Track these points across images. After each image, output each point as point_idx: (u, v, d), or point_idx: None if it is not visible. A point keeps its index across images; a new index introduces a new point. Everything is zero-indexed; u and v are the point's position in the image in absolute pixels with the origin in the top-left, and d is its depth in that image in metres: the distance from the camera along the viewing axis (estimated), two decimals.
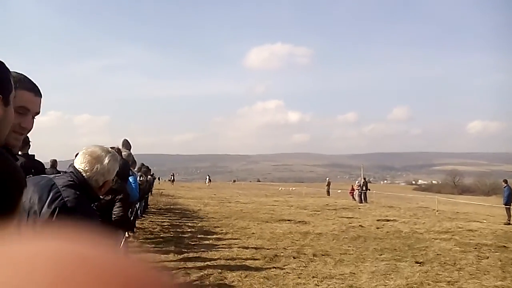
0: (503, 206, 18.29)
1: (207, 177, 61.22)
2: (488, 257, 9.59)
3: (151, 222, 13.87)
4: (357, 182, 31.20)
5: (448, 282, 7.31)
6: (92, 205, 2.16)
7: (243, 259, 8.60)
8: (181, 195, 28.72)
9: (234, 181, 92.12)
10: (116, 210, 4.82)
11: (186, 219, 15.43)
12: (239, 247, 9.88)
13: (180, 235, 11.51)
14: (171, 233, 11.79)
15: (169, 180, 52.47)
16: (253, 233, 12.23)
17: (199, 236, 11.45)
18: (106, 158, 2.17)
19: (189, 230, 12.57)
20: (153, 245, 9.71)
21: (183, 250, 9.29)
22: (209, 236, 11.45)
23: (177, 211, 18.57)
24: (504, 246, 11.13)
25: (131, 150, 9.77)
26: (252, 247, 9.92)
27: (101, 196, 2.32)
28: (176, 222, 14.43)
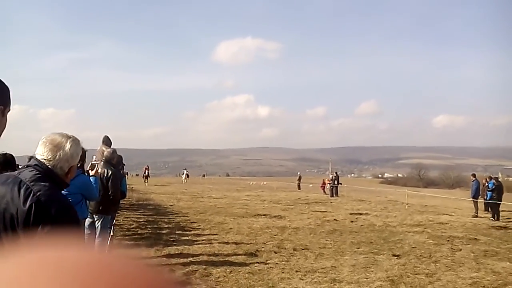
0: (471, 199, 18.86)
1: (184, 171, 53.55)
2: (461, 249, 9.94)
3: (126, 219, 13.72)
4: (330, 176, 31.63)
5: (426, 274, 7.55)
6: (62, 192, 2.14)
7: (225, 254, 8.65)
8: (152, 191, 28.42)
9: (204, 175, 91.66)
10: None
11: (161, 215, 15.33)
12: (219, 243, 9.92)
13: (158, 231, 11.44)
14: (149, 229, 11.70)
15: (143, 175, 40.90)
16: (231, 228, 12.27)
17: (177, 232, 11.41)
18: (68, 143, 2.14)
19: (166, 226, 12.50)
20: (132, 242, 9.64)
21: (163, 246, 9.26)
22: (187, 232, 11.43)
23: (150, 207, 18.41)
24: (475, 239, 11.55)
25: (111, 146, 9.68)
26: (232, 243, 9.97)
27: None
28: (152, 218, 14.32)
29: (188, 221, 13.75)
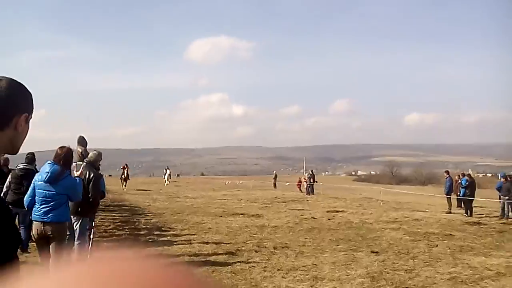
0: (445, 196, 19.24)
1: (166, 171, 43.29)
2: (437, 245, 10.14)
3: (102, 220, 13.48)
4: (306, 174, 31.83)
5: (406, 270, 7.68)
6: None
7: (206, 254, 8.61)
8: (127, 191, 28.05)
9: (178, 175, 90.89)
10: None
11: (138, 215, 15.14)
12: (199, 243, 9.87)
13: (136, 232, 11.33)
14: (126, 230, 11.56)
15: (121, 177, 31.43)
16: (209, 228, 12.23)
17: (155, 233, 11.31)
18: None
19: (144, 227, 12.36)
20: (110, 244, 9.50)
21: (142, 247, 9.16)
22: (166, 233, 11.33)
23: (126, 207, 18.18)
24: (450, 234, 11.80)
25: (87, 146, 9.51)
26: (212, 242, 9.93)
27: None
28: (128, 219, 14.14)
29: (166, 221, 13.63)
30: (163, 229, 12.01)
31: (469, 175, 19.38)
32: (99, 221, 13.06)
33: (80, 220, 6.65)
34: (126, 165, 32.30)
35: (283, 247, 9.58)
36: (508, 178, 17.55)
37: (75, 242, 6.05)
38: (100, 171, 7.93)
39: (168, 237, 10.63)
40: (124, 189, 29.16)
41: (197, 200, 22.33)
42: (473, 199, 17.36)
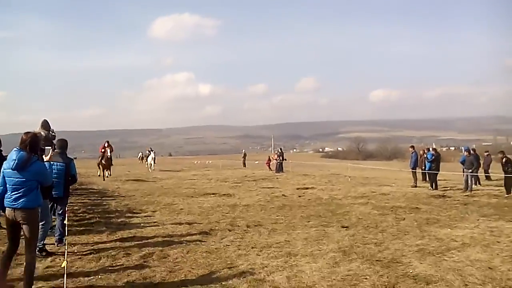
0: (411, 170, 19.72)
1: (150, 153, 33.75)
2: (404, 219, 10.47)
3: (71, 204, 13.26)
4: (275, 152, 32.01)
5: (375, 243, 7.91)
6: None
7: (180, 235, 8.63)
8: (93, 173, 27.61)
9: (143, 158, 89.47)
10: None
11: (107, 198, 14.99)
12: (172, 224, 9.88)
13: (107, 215, 11.21)
14: (97, 214, 11.41)
15: (99, 162, 23.15)
16: (181, 209, 12.23)
17: (127, 215, 11.24)
18: None
19: (114, 209, 12.26)
20: (82, 227, 9.38)
21: (115, 230, 9.10)
22: (138, 215, 11.27)
23: (94, 190, 17.93)
24: (417, 208, 12.19)
25: (50, 130, 9.36)
26: (185, 223, 9.96)
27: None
28: (98, 202, 13.99)
29: (137, 203, 13.55)
30: (134, 211, 11.93)
31: (434, 149, 19.92)
32: (67, 206, 12.88)
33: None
34: (108, 143, 22.92)
35: (256, 225, 9.70)
36: (472, 152, 18.13)
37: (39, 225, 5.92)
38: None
39: (141, 219, 10.58)
40: (104, 177, 22.50)
41: (167, 181, 22.21)
42: (438, 173, 17.88)
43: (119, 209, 12.36)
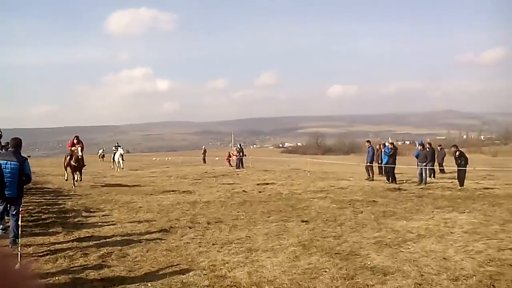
0: (367, 164, 20.08)
1: (118, 149, 30.21)
2: (362, 212, 10.71)
3: (25, 204, 12.79)
4: (235, 148, 31.98)
5: (334, 237, 8.06)
6: None
7: (139, 234, 8.50)
8: (48, 172, 26.77)
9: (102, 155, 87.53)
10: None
11: (63, 197, 14.56)
12: (131, 222, 9.71)
13: (63, 215, 10.90)
14: (52, 213, 11.09)
15: (67, 161, 17.87)
16: (140, 207, 12.04)
17: (84, 214, 10.96)
18: None
19: (71, 209, 11.93)
20: (38, 228, 9.09)
21: (72, 230, 8.86)
22: (95, 214, 11.02)
23: (49, 189, 17.38)
24: (374, 201, 12.49)
25: None
26: (144, 221, 9.82)
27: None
28: (53, 201, 13.57)
29: (94, 202, 13.23)
30: (91, 210, 11.65)
31: (392, 143, 20.41)
32: (22, 206, 12.44)
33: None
34: (78, 138, 18.11)
35: (216, 222, 9.68)
36: (428, 146, 18.69)
37: None
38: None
39: (98, 218, 10.36)
40: (74, 183, 17.79)
41: (125, 179, 21.84)
42: (395, 167, 18.32)
43: (75, 208, 12.03)
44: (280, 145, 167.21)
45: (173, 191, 15.95)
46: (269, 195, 14.36)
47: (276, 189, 15.87)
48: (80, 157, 17.39)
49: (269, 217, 10.27)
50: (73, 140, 18.07)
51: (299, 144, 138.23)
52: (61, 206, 12.48)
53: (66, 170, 18.66)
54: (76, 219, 10.20)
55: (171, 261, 6.53)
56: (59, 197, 14.54)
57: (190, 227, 9.10)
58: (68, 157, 17.86)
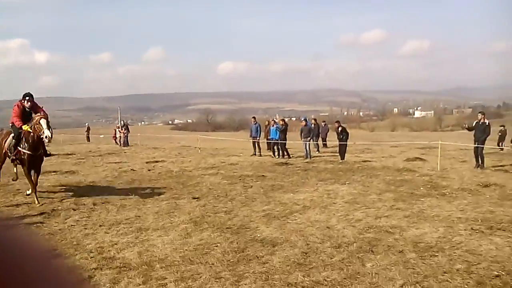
0: (254, 140, 20.47)
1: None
2: (252, 186, 11.00)
3: None
4: (120, 125, 30.78)
5: (225, 212, 8.19)
6: None
7: (18, 218, 7.85)
8: None
9: None
10: None
11: None
12: (7, 206, 8.98)
13: None
14: None
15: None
16: (18, 190, 11.11)
17: None
18: None
19: None
20: None
21: None
22: None
23: None
24: (263, 175, 12.88)
25: None
26: (23, 204, 9.11)
27: None
28: None
29: None
30: None
31: (283, 119, 21.05)
32: None
33: None
34: (31, 98, 9.37)
35: (103, 203, 9.27)
36: (314, 121, 19.59)
37: None
38: None
39: None
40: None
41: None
42: (286, 142, 18.95)
43: None
44: (170, 122, 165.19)
45: (54, 171, 14.91)
46: (159, 173, 14.12)
47: (166, 167, 15.64)
48: (46, 138, 8.76)
49: (159, 195, 10.09)
50: (23, 102, 9.26)
51: (189, 121, 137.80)
52: None
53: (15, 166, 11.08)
54: None
55: (55, 246, 6.15)
56: None
57: (74, 209, 8.61)
58: (12, 138, 9.60)
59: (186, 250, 5.88)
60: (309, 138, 18.40)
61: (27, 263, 0.42)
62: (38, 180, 9.82)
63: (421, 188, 10.39)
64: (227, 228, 6.98)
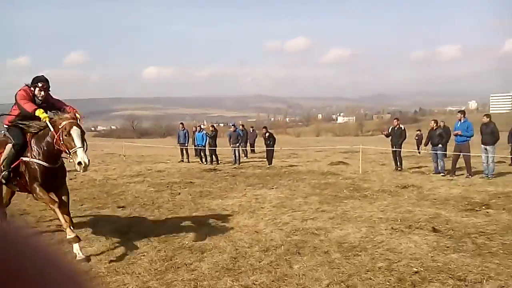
0: (182, 146, 20.31)
1: None
2: (180, 193, 10.85)
3: None
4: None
5: (152, 220, 8.02)
6: None
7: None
8: None
9: None
10: None
11: None
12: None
13: None
14: None
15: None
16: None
17: None
18: None
19: None
20: None
21: None
22: None
23: None
24: (191, 182, 12.75)
25: None
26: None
27: None
28: None
29: None
30: None
31: (213, 125, 21.04)
32: None
33: None
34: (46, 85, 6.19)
35: (21, 214, 8.74)
36: (241, 127, 19.72)
37: None
38: None
39: None
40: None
41: None
42: (216, 148, 18.88)
43: None
44: (93, 129, 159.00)
45: None
46: (81, 182, 13.52)
47: (89, 175, 14.98)
48: (79, 165, 5.58)
49: (81, 205, 9.66)
50: (32, 90, 6.15)
51: (113, 127, 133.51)
52: None
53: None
54: None
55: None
56: None
57: None
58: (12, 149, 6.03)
59: (112, 261, 5.68)
60: (238, 144, 18.50)
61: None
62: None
63: (344, 191, 10.79)
64: (154, 236, 6.82)
